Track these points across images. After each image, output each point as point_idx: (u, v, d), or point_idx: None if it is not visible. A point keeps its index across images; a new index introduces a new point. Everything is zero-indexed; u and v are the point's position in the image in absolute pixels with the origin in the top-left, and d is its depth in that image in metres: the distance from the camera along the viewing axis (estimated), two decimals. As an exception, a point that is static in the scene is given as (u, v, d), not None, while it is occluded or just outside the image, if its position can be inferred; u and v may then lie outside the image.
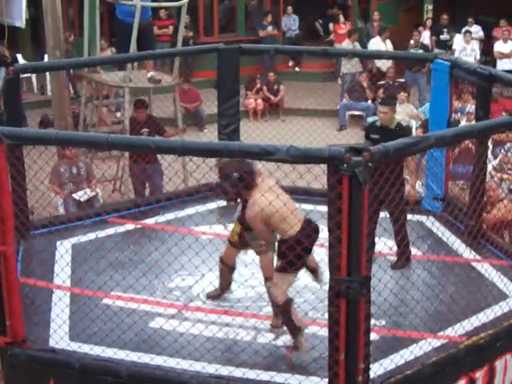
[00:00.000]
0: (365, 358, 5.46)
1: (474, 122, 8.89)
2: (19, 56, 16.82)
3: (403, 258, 7.89)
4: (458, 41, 17.79)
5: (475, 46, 17.75)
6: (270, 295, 6.59)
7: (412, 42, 17.11)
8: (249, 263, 7.37)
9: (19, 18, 11.91)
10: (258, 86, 17.17)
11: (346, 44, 17.27)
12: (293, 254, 6.11)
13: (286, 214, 6.12)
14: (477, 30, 18.44)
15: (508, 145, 12.03)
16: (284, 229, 6.19)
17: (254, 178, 6.31)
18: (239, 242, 7.06)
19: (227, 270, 7.24)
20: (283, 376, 6.01)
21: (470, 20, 18.52)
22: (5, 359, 6.31)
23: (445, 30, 18.52)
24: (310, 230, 6.23)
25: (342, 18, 19.13)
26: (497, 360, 6.48)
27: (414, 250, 8.07)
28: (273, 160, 5.27)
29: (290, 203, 6.30)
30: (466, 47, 17.61)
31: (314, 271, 6.84)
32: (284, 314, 6.38)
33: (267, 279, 6.75)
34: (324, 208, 5.43)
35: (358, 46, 17.35)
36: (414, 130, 14.14)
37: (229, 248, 7.19)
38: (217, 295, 7.37)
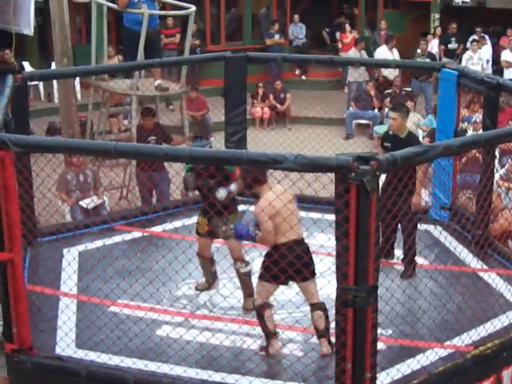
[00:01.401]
0: (371, 367, 5.45)
1: (481, 132, 8.88)
2: (26, 64, 16.83)
3: (411, 268, 7.88)
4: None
5: (482, 55, 17.73)
6: (238, 276, 7.14)
7: (419, 50, 17.10)
8: (255, 272, 7.36)
9: (27, 25, 11.92)
10: (261, 94, 17.16)
11: (353, 52, 17.27)
12: (271, 262, 6.29)
13: (289, 220, 6.18)
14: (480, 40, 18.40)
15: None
16: (276, 234, 6.31)
17: (265, 173, 6.44)
18: (207, 233, 7.36)
19: (207, 262, 7.54)
20: (290, 385, 6.01)
21: (477, 30, 18.50)
22: (11, 366, 6.32)
23: (453, 39, 18.53)
24: (298, 250, 6.31)
25: (348, 27, 19.13)
26: (504, 370, 6.46)
27: (421, 260, 8.06)
28: (281, 168, 5.28)
29: (295, 214, 6.35)
30: (473, 56, 17.59)
31: None
32: (258, 317, 6.58)
33: (236, 260, 7.21)
34: (331, 216, 5.42)
35: (364, 55, 17.34)
36: (420, 139, 14.14)
37: (200, 240, 7.45)
38: (206, 288, 7.62)
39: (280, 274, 6.28)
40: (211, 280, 7.66)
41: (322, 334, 6.52)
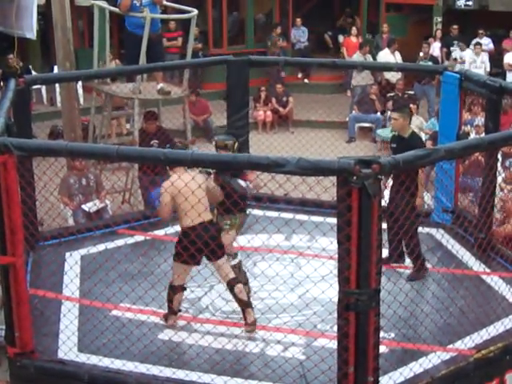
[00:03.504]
0: (374, 370, 5.45)
1: (483, 135, 8.87)
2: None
3: (414, 271, 7.87)
4: (469, 54, 17.75)
5: (485, 58, 17.73)
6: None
7: (421, 54, 17.10)
8: (257, 275, 7.36)
9: (30, 29, 11.94)
10: (264, 97, 17.17)
11: (357, 56, 17.26)
12: (180, 246, 6.72)
13: (192, 202, 6.50)
14: (487, 43, 18.42)
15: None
16: (181, 217, 6.73)
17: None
18: None
19: None
20: (292, 388, 6.00)
21: (480, 32, 18.50)
22: (14, 370, 6.32)
23: (455, 42, 18.52)
24: (204, 233, 6.67)
25: (354, 31, 19.10)
26: (506, 373, 6.45)
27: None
28: (283, 172, 5.27)
29: (203, 200, 6.74)
30: (475, 59, 17.58)
31: None
32: (168, 295, 7.01)
33: (229, 255, 7.25)
34: (333, 220, 5.42)
35: (369, 59, 17.32)
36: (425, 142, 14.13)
37: None
38: None
39: (184, 253, 6.71)
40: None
41: (248, 304, 6.90)
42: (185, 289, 7.08)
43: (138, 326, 6.84)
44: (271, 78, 18.42)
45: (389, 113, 15.98)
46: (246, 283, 7.30)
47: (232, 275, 6.95)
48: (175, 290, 7.00)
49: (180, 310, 7.15)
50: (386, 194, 7.83)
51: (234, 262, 7.35)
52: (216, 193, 7.06)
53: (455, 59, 17.68)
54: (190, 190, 6.42)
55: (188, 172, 6.74)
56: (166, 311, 7.12)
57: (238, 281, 6.95)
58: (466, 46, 18.24)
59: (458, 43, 17.88)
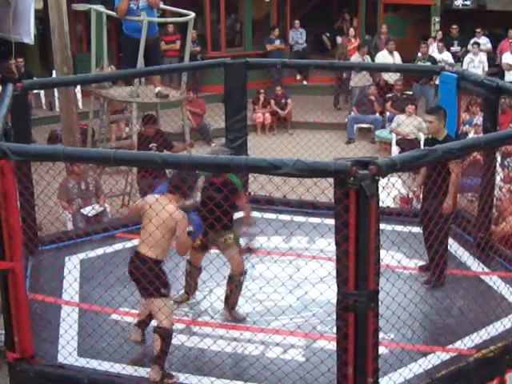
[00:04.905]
0: (373, 372, 5.44)
1: (481, 134, 8.86)
2: (27, 72, 16.86)
3: (435, 277, 7.70)
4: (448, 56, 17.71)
5: (483, 57, 17.73)
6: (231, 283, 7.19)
7: (420, 54, 17.10)
8: (256, 277, 7.36)
9: (28, 34, 11.91)
10: (262, 99, 17.18)
11: (356, 58, 17.27)
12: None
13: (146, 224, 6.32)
14: (485, 42, 18.41)
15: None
16: (164, 249, 6.37)
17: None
18: (201, 245, 7.34)
19: (196, 271, 7.52)
20: (292, 390, 6.00)
21: (478, 31, 18.50)
22: (13, 375, 6.32)
23: (455, 41, 18.52)
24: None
25: (352, 32, 19.11)
26: (507, 373, 6.44)
27: (421, 263, 8.05)
28: (280, 174, 5.26)
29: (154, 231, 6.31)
30: (473, 59, 17.58)
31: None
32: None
33: (234, 269, 7.21)
34: (331, 221, 5.41)
35: (368, 60, 17.33)
36: (422, 143, 14.14)
37: (194, 252, 7.38)
38: (187, 298, 7.60)
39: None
40: (192, 290, 7.62)
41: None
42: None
43: (137, 330, 6.83)
44: (272, 80, 18.44)
45: (388, 113, 16.04)
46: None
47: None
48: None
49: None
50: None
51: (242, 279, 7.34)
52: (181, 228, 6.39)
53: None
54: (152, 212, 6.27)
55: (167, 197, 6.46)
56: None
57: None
58: (464, 46, 18.28)
59: (437, 45, 17.80)
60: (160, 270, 6.34)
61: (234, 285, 7.27)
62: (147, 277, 6.26)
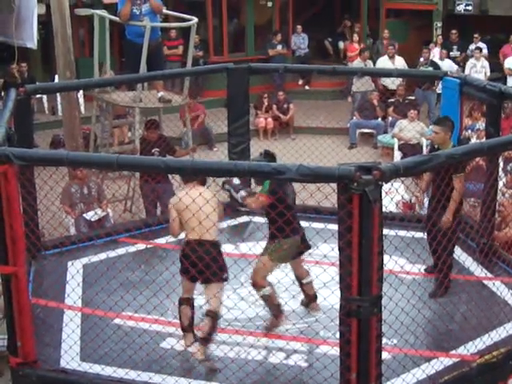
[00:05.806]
0: (376, 377, 5.44)
1: (484, 140, 8.86)
2: (29, 77, 16.88)
3: (443, 287, 7.58)
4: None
5: (485, 62, 17.73)
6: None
7: (422, 59, 17.10)
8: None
9: (31, 39, 11.93)
10: (266, 104, 17.19)
11: (358, 63, 17.28)
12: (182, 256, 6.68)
13: (199, 217, 6.41)
14: (482, 47, 18.40)
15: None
16: (187, 232, 6.64)
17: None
18: None
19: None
20: (295, 396, 6.00)
21: (475, 36, 18.49)
22: (16, 380, 6.31)
23: (454, 46, 18.52)
24: (203, 249, 6.54)
25: (355, 37, 19.13)
26: (510, 378, 6.44)
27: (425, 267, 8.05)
28: (283, 179, 5.28)
29: (212, 216, 6.54)
30: (476, 64, 17.59)
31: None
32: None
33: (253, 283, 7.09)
34: (334, 226, 5.41)
35: (370, 65, 17.34)
36: (424, 148, 14.15)
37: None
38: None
39: (186, 269, 6.64)
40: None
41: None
42: (191, 305, 6.91)
43: (140, 335, 6.83)
44: (274, 85, 18.46)
45: (390, 119, 16.04)
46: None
47: (214, 307, 6.72)
48: (179, 302, 6.89)
49: (191, 328, 6.90)
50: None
51: (261, 294, 7.06)
52: (220, 211, 6.88)
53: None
54: (197, 206, 6.35)
55: (196, 188, 6.62)
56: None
57: (216, 316, 6.70)
58: (464, 51, 18.30)
59: (441, 51, 17.81)
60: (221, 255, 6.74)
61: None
62: (217, 261, 6.61)
